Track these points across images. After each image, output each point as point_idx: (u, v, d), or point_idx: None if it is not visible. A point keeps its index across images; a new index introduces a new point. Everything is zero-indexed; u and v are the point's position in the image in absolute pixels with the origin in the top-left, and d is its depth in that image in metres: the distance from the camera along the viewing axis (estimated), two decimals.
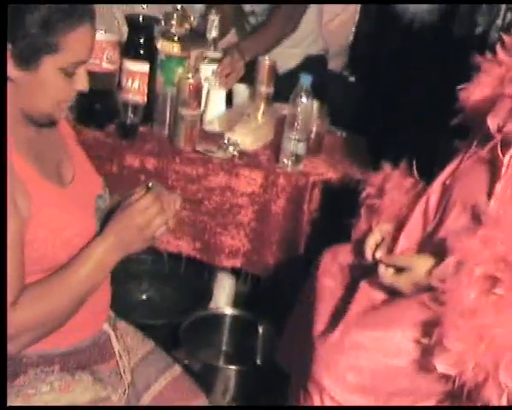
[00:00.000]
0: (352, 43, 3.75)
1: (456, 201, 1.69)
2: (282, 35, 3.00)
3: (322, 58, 3.26)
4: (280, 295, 2.36)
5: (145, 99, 2.44)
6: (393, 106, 2.86)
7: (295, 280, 2.11)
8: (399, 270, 1.69)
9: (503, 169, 1.55)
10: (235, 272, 2.67)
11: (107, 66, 2.40)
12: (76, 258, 1.54)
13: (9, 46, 1.43)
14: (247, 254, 2.43)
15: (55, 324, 1.49)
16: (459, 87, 1.73)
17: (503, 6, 3.20)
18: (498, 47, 1.72)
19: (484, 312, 1.53)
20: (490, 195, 1.58)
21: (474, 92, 1.72)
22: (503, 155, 1.58)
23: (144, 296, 2.75)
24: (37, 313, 1.46)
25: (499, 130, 1.59)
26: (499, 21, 3.56)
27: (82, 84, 1.51)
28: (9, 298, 1.39)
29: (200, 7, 3.20)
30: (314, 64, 3.01)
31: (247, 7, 3.22)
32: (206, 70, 2.61)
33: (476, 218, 1.56)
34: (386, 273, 1.72)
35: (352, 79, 3.61)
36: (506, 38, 1.72)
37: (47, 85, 1.49)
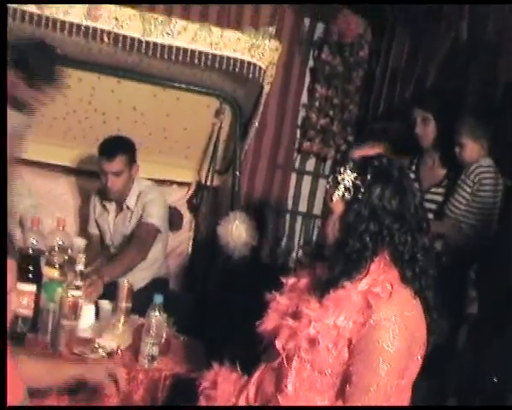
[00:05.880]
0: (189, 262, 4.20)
1: (266, 394, 2.15)
2: (135, 262, 3.46)
3: (165, 279, 3.71)
4: None
5: (32, 312, 2.72)
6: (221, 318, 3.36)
7: None
8: None
9: (290, 372, 2.03)
10: None
11: None
12: None
13: None
14: None
15: None
16: (257, 323, 2.17)
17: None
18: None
19: None
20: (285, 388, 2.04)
21: (266, 324, 2.16)
22: (288, 365, 2.03)
23: None
24: None
25: (283, 348, 2.05)
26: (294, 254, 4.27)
27: None
28: None
29: (80, 241, 3.57)
30: (159, 284, 3.33)
31: (108, 240, 3.76)
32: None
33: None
34: None
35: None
36: (285, 280, 2.24)
37: None
